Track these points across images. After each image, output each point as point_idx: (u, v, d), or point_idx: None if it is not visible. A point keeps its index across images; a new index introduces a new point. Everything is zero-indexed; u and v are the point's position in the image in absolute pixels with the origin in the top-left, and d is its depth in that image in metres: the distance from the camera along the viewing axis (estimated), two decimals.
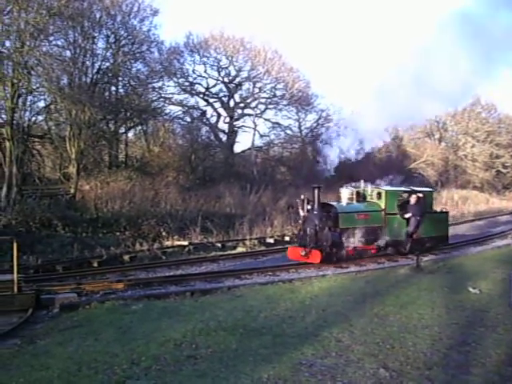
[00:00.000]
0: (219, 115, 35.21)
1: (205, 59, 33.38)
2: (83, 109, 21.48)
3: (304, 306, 8.93)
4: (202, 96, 34.63)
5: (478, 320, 8.04)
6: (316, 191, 14.20)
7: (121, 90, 28.43)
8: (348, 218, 14.53)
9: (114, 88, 27.96)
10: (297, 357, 6.19)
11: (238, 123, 35.77)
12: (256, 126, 35.45)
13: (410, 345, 6.76)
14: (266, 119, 36.41)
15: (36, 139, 25.10)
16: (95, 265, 14.06)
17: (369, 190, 15.90)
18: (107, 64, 25.02)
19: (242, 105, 35.68)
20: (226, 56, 33.51)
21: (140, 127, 32.40)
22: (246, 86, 35.24)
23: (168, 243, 17.84)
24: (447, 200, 36.36)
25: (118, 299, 9.59)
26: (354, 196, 15.38)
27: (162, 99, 32.22)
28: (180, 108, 33.67)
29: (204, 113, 34.87)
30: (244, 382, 5.37)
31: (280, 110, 36.62)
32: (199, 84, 34.31)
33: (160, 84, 31.31)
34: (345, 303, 9.13)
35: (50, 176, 25.78)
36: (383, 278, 11.96)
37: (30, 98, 22.60)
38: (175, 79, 32.74)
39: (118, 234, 18.22)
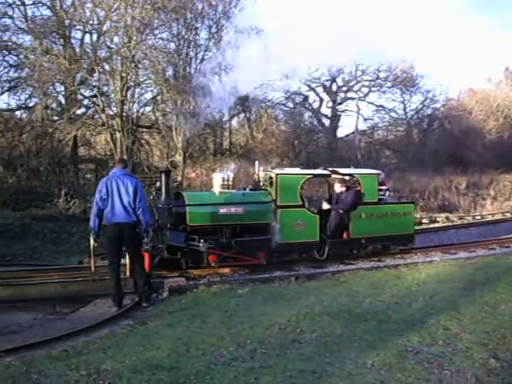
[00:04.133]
0: (322, 100, 35.03)
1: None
2: (188, 98, 22.06)
3: (410, 292, 8.75)
4: (304, 81, 34.57)
5: None
6: (163, 177, 10.42)
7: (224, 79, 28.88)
8: (202, 214, 10.37)
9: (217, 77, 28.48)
10: (402, 344, 6.08)
11: (341, 107, 35.45)
12: (359, 109, 34.99)
13: None
14: (369, 102, 35.84)
15: (144, 129, 26.16)
16: None
17: (261, 174, 11.62)
18: (210, 54, 25.51)
19: (344, 88, 35.28)
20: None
21: (243, 114, 32.87)
22: (349, 69, 34.79)
23: None
24: None
25: (225, 283, 9.81)
26: (230, 183, 11.03)
27: (264, 86, 32.47)
28: (282, 94, 33.79)
29: (306, 98, 34.81)
30: (348, 367, 5.36)
31: (384, 92, 35.91)
32: (301, 69, 34.23)
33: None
34: (453, 290, 8.83)
35: (158, 164, 26.74)
36: (494, 264, 11.42)
37: (137, 90, 23.59)
38: (277, 65, 32.75)
39: None
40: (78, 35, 23.59)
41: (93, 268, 9.33)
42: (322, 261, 11.64)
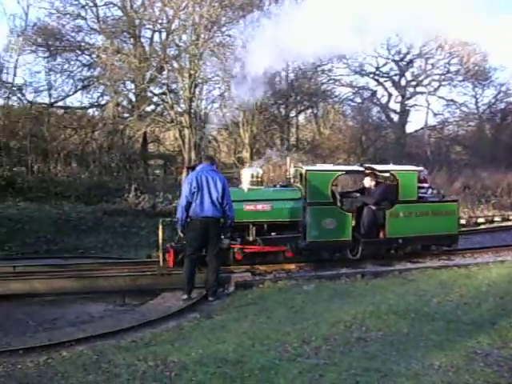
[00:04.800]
0: (390, 95, 34.42)
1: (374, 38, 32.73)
2: (255, 95, 22.17)
3: (480, 292, 8.48)
4: (371, 76, 34.06)
5: None
6: (190, 172, 9.75)
7: (291, 75, 28.88)
8: None
9: (284, 73, 28.50)
10: (471, 345, 5.90)
11: (410, 102, 34.69)
12: (429, 104, 34.15)
13: None
14: (439, 97, 34.88)
15: (212, 126, 26.47)
16: None
17: (292, 170, 11.49)
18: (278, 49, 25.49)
19: (413, 83, 34.53)
20: (396, 33, 32.55)
21: (310, 110, 32.75)
22: (418, 63, 33.96)
23: None
24: None
25: (290, 279, 9.82)
26: (260, 179, 10.84)
27: (331, 81, 32.24)
28: (350, 89, 33.43)
29: (374, 93, 34.30)
30: (415, 367, 5.25)
31: (454, 86, 34.81)
32: (369, 64, 33.78)
33: (329, 66, 31.29)
34: None
35: (226, 161, 27.05)
36: None
37: (205, 87, 23.91)
38: (344, 60, 32.51)
39: None
40: (148, 34, 24.22)
41: (161, 262, 9.56)
42: (390, 259, 11.45)
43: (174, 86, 23.19)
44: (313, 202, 10.58)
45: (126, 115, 24.59)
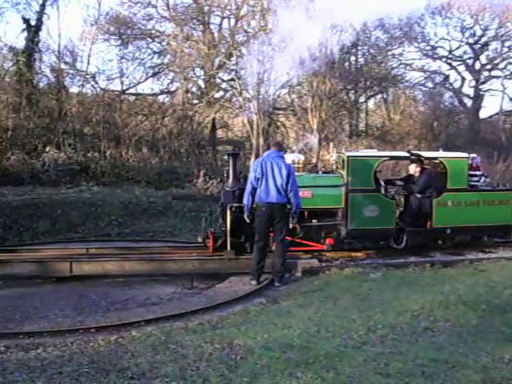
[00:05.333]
0: (463, 79, 33.27)
1: (447, 20, 31.56)
2: (324, 80, 22.00)
3: None
4: (444, 60, 32.98)
5: None
6: (231, 159, 10.38)
7: (360, 60, 28.43)
8: None
9: (353, 58, 28.09)
10: None
11: (485, 86, 33.47)
12: (505, 88, 32.79)
13: None
14: None
15: (280, 112, 26.46)
16: None
17: (334, 156, 11.40)
18: (346, 34, 25.18)
19: (488, 66, 33.25)
20: (471, 15, 31.38)
21: (380, 95, 32.18)
22: (494, 45, 32.56)
23: None
24: None
25: (357, 267, 9.75)
26: (301, 165, 10.75)
27: (402, 66, 31.47)
28: (421, 74, 32.48)
29: (447, 77, 33.25)
30: (484, 359, 5.12)
31: None
32: (441, 47, 32.66)
33: (400, 50, 30.52)
34: None
35: (293, 146, 26.96)
36: None
37: (273, 72, 23.85)
38: (416, 44, 31.60)
39: None
40: (217, 21, 24.34)
41: (229, 247, 9.68)
42: (460, 248, 11.15)
43: (242, 72, 23.29)
44: (355, 189, 10.35)
45: (195, 101, 24.91)
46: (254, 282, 8.82)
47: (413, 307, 6.84)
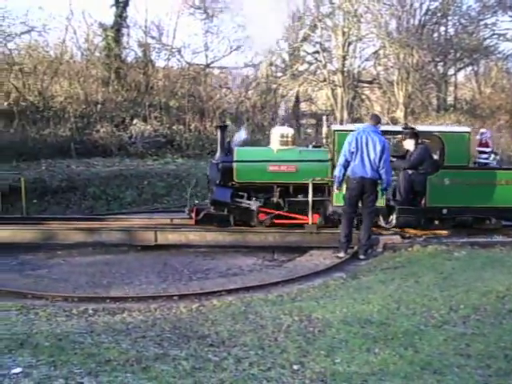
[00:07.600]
0: None
1: None
2: (411, 52, 21.40)
3: None
4: None
5: None
6: (219, 132, 10.40)
7: (450, 30, 27.29)
8: (249, 170, 10.03)
9: (442, 28, 27.03)
10: None
11: None
12: None
13: None
14: None
15: (365, 85, 25.98)
16: None
17: (324, 130, 10.94)
18: (436, 4, 24.26)
19: None
20: None
21: (470, 68, 30.91)
22: None
23: None
24: None
25: (441, 244, 9.47)
26: (290, 139, 10.27)
27: (495, 36, 30.02)
28: None
29: None
30: None
31: None
32: None
33: (493, 20, 29.04)
34: None
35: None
36: None
37: (359, 45, 23.43)
38: (510, 13, 30.08)
39: None
40: None
41: (310, 221, 9.70)
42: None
43: (327, 45, 23.02)
44: None
45: (279, 74, 24.86)
46: (341, 254, 8.85)
47: (498, 288, 6.60)
